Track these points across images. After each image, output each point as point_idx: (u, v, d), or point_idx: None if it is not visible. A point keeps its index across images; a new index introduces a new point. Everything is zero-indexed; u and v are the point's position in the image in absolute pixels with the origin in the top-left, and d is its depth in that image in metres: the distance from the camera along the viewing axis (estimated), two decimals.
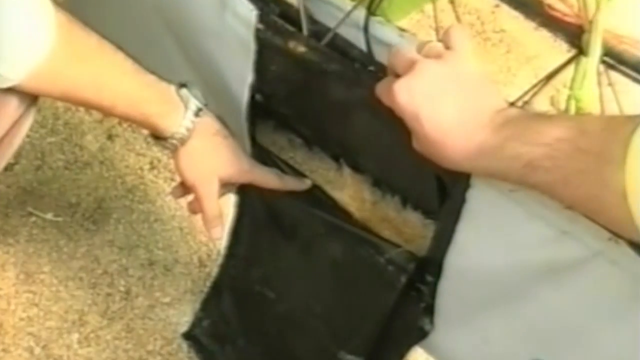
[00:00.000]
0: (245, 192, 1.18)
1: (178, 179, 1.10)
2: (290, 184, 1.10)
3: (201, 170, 1.06)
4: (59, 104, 1.75)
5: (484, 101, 0.83)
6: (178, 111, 1.01)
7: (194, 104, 1.02)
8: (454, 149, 0.82)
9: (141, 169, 1.71)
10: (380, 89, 0.88)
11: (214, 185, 1.07)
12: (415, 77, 0.83)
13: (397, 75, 0.85)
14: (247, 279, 1.24)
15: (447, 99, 0.82)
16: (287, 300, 1.19)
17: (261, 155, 1.12)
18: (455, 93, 0.83)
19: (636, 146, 0.69)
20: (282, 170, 1.11)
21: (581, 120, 0.77)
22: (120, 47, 0.97)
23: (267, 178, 1.10)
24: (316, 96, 1.03)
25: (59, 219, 1.63)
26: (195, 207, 1.11)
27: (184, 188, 1.11)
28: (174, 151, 1.04)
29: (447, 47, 0.85)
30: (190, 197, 1.12)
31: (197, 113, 1.02)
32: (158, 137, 1.03)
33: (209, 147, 1.05)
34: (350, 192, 1.08)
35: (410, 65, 0.84)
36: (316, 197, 1.09)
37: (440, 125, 0.82)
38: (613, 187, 0.70)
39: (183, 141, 1.02)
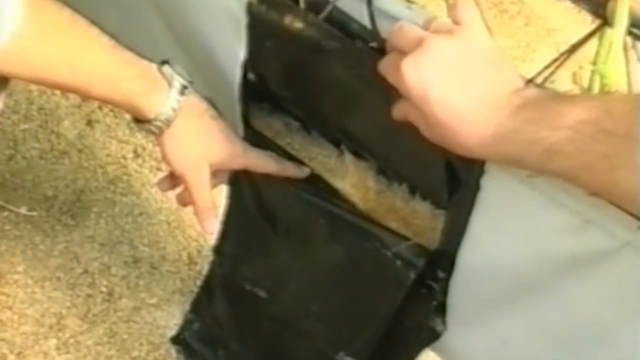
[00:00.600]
0: (237, 182, 1.18)
1: (165, 168, 1.11)
2: (289, 169, 1.10)
3: (190, 156, 1.06)
4: (33, 87, 1.75)
5: (499, 81, 0.83)
6: (161, 90, 1.01)
7: (178, 81, 1.02)
8: (467, 134, 0.82)
9: (124, 157, 1.71)
10: (384, 66, 0.88)
11: (205, 173, 1.07)
12: (424, 54, 0.83)
13: (401, 53, 0.85)
14: (239, 277, 1.24)
15: (459, 79, 0.82)
16: (282, 300, 1.20)
17: (255, 140, 1.12)
18: (468, 72, 0.83)
19: None
20: None
21: (606, 100, 0.77)
22: (96, 24, 0.97)
23: (262, 162, 1.10)
24: (314, 76, 1.03)
25: (34, 213, 1.63)
26: (185, 198, 1.10)
27: (172, 179, 1.11)
28: (159, 135, 1.03)
29: (457, 23, 0.85)
30: (179, 189, 1.12)
31: (182, 91, 1.02)
32: (141, 120, 1.03)
33: (197, 129, 1.05)
34: (352, 180, 1.08)
35: (417, 42, 0.83)
36: (315, 185, 1.10)
37: (451, 107, 0.82)
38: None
39: (169, 123, 1.02)
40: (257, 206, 1.17)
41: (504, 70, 0.84)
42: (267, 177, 1.11)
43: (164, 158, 1.06)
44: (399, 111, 0.89)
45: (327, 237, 1.09)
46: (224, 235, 1.24)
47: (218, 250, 1.27)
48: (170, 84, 1.02)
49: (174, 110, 1.01)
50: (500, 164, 0.85)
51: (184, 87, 1.03)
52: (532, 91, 0.82)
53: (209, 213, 1.10)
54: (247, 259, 1.23)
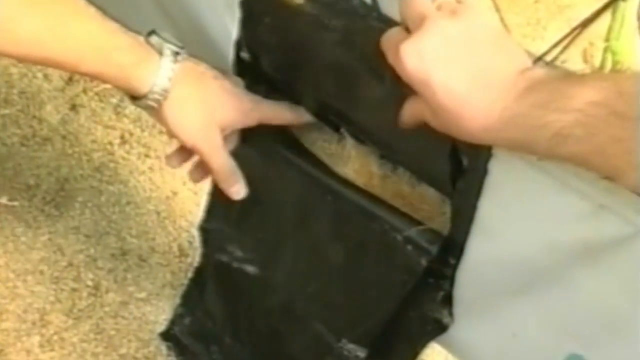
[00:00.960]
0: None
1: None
2: (305, 115, 1.10)
3: (197, 123, 1.05)
4: (13, 69, 1.76)
5: (505, 61, 0.83)
6: (153, 59, 1.01)
7: (168, 49, 1.02)
8: (472, 118, 0.82)
9: (110, 143, 1.72)
10: (385, 42, 0.88)
11: (217, 137, 1.06)
12: (424, 37, 0.83)
13: (407, 29, 0.86)
14: (227, 255, 1.24)
15: (462, 62, 0.83)
16: (277, 277, 1.19)
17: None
18: (472, 54, 0.83)
19: None
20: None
21: (617, 80, 0.77)
22: None
23: (277, 113, 1.10)
24: (313, 55, 1.03)
25: (15, 203, 1.64)
26: (199, 173, 1.11)
27: (183, 152, 1.11)
28: (159, 109, 1.03)
29: (460, 1, 0.86)
30: (188, 165, 1.12)
31: (175, 58, 1.02)
32: (136, 96, 1.02)
33: (199, 94, 1.05)
34: (355, 166, 1.08)
35: (420, 20, 0.84)
36: (318, 160, 1.10)
37: (455, 92, 0.82)
38: None
39: (166, 93, 1.01)
40: (248, 178, 1.16)
41: (510, 50, 0.84)
42: (264, 147, 1.10)
43: (171, 133, 1.06)
44: (408, 114, 0.89)
45: (330, 216, 1.09)
46: (210, 211, 1.24)
47: (203, 228, 1.27)
48: (161, 52, 1.01)
49: (169, 79, 1.01)
50: (508, 149, 0.86)
51: (176, 54, 1.02)
52: (539, 72, 0.82)
53: (233, 178, 1.10)
54: (235, 235, 1.23)
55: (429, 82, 0.83)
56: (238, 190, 1.11)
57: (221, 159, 1.08)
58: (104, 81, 1.02)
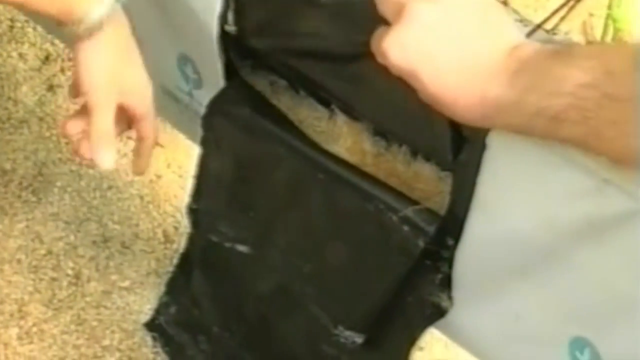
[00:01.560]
0: (212, 129, 1.18)
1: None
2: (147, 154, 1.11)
3: (105, 75, 1.04)
4: None
5: (491, 42, 0.83)
6: None
7: None
8: (466, 106, 0.83)
9: None
10: (374, 42, 0.88)
11: (112, 99, 1.05)
12: (404, 27, 0.83)
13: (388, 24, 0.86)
14: (217, 236, 1.24)
15: (447, 50, 0.82)
16: (270, 257, 1.19)
17: (244, 94, 1.13)
18: (456, 39, 0.83)
19: None
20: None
21: (605, 59, 0.77)
22: None
23: (152, 127, 1.09)
24: (301, 28, 1.04)
25: None
26: (80, 145, 1.07)
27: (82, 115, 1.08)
28: (83, 42, 1.02)
29: None
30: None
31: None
32: (68, 21, 1.01)
33: (122, 50, 1.04)
34: (347, 144, 1.09)
35: (399, 10, 0.84)
36: (308, 137, 1.10)
37: (445, 81, 0.83)
38: None
39: (100, 26, 1.01)
40: (236, 156, 1.17)
41: (497, 27, 0.84)
42: (251, 125, 1.11)
43: (79, 69, 1.04)
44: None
45: (322, 195, 1.09)
46: (198, 191, 1.24)
47: (192, 209, 1.27)
48: None
49: (107, 16, 1.01)
50: (506, 132, 0.86)
51: None
52: (528, 50, 0.81)
53: (105, 140, 1.05)
54: (225, 214, 1.23)
55: (416, 75, 0.83)
56: (107, 157, 1.05)
57: (105, 118, 1.04)
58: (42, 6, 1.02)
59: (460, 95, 0.82)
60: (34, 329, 1.50)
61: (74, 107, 1.71)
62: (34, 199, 1.63)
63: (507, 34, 0.84)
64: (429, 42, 0.82)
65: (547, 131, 0.79)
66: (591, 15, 0.88)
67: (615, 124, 0.73)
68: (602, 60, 0.76)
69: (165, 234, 1.60)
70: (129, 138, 1.67)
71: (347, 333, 1.13)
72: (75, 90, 1.07)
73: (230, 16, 1.08)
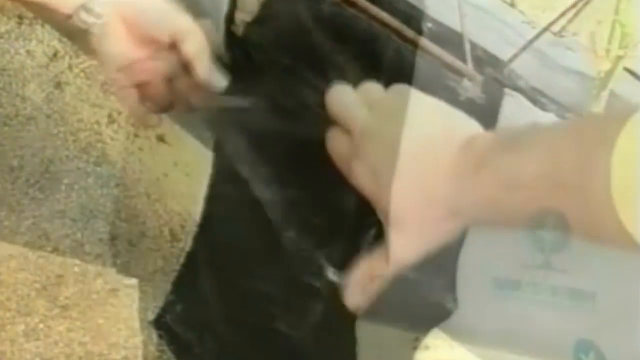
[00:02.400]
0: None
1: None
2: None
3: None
4: None
5: (447, 149, 0.83)
6: None
7: None
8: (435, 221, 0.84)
9: (97, 123, 1.72)
10: (332, 146, 0.90)
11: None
12: (367, 154, 0.85)
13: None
14: (226, 243, 1.24)
15: (408, 171, 0.83)
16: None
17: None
18: (413, 156, 0.83)
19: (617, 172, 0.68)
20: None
21: (555, 147, 0.76)
22: None
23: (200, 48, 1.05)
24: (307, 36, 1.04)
25: None
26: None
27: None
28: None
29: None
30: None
31: None
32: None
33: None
34: None
35: (354, 127, 0.86)
36: None
37: (410, 208, 0.84)
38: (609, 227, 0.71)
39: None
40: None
41: (448, 130, 0.85)
42: None
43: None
44: None
45: None
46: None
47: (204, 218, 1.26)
48: None
49: None
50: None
51: None
52: (480, 142, 0.82)
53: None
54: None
55: (382, 200, 0.84)
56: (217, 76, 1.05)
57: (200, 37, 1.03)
58: None
59: (429, 208, 0.83)
60: (40, 326, 1.51)
61: (82, 104, 1.73)
62: (41, 196, 1.63)
63: (458, 129, 0.85)
64: (391, 166, 0.83)
65: (522, 216, 0.79)
66: (599, 22, 0.88)
67: (580, 211, 0.74)
68: (553, 150, 0.76)
69: (172, 232, 1.60)
70: (136, 136, 1.68)
71: None
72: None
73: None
